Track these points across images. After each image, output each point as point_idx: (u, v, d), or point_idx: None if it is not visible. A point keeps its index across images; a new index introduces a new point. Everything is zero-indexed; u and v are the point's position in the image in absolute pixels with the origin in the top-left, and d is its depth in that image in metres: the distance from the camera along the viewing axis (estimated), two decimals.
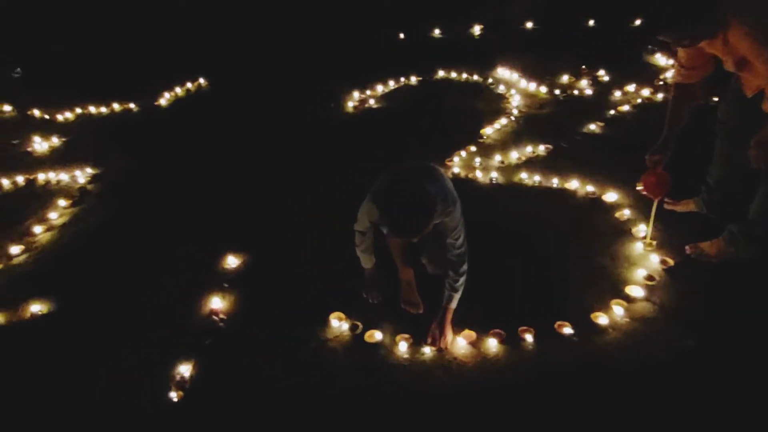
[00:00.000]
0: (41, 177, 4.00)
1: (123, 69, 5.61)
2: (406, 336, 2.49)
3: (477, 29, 5.83)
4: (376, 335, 2.51)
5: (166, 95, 4.98)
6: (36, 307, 2.82)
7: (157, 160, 4.14)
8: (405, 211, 2.12)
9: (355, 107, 4.64)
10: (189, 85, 5.14)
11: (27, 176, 4.02)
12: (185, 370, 2.40)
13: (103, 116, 4.86)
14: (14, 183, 3.98)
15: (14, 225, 3.49)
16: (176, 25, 6.34)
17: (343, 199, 3.33)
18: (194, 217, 3.45)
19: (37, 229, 3.41)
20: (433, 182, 2.33)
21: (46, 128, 4.66)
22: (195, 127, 4.56)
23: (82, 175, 3.95)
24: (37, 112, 4.91)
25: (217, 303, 2.74)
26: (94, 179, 3.94)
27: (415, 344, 2.47)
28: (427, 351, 2.43)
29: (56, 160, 4.23)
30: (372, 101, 4.69)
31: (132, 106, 4.91)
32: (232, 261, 3.01)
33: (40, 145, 4.40)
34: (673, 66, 4.72)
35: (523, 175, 3.53)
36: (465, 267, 2.42)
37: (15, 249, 3.26)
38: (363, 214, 2.51)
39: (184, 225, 3.38)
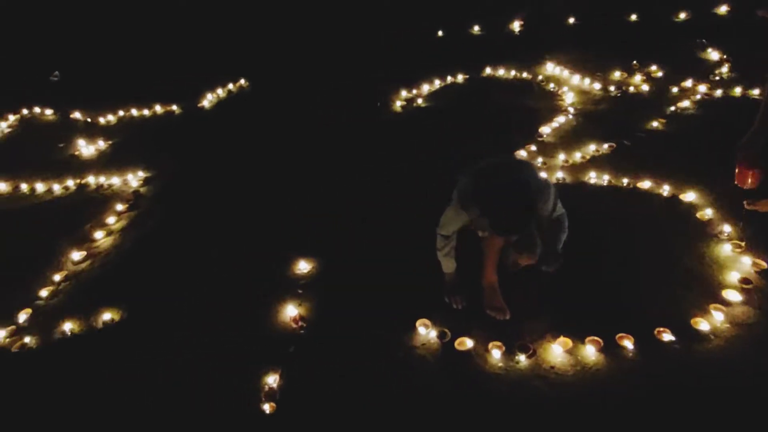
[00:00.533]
0: (92, 180, 3.95)
1: (160, 71, 5.54)
2: (498, 343, 2.40)
3: (516, 25, 5.71)
4: (468, 342, 2.42)
5: (209, 97, 4.90)
6: (107, 315, 2.76)
7: (207, 162, 4.07)
8: (511, 207, 2.10)
9: (402, 106, 4.55)
10: (230, 86, 5.06)
11: (77, 180, 3.97)
12: (273, 380, 2.33)
13: (145, 118, 4.80)
14: (65, 188, 3.93)
15: (72, 230, 3.43)
16: (213, 26, 6.27)
17: (408, 200, 3.29)
18: (255, 219, 3.38)
19: (98, 234, 3.35)
20: (524, 173, 2.29)
21: (90, 131, 4.61)
22: (241, 128, 4.49)
23: (134, 179, 3.89)
24: (78, 115, 4.86)
25: (293, 310, 2.66)
26: (146, 182, 3.88)
27: (508, 352, 2.38)
28: (522, 359, 2.34)
29: (105, 163, 4.17)
30: (419, 100, 4.59)
31: (174, 108, 4.83)
32: (303, 266, 2.93)
33: (86, 148, 4.35)
34: (726, 61, 4.68)
35: (592, 174, 3.42)
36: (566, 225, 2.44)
37: (76, 255, 3.20)
38: (449, 218, 2.44)
39: (245, 228, 3.31)
